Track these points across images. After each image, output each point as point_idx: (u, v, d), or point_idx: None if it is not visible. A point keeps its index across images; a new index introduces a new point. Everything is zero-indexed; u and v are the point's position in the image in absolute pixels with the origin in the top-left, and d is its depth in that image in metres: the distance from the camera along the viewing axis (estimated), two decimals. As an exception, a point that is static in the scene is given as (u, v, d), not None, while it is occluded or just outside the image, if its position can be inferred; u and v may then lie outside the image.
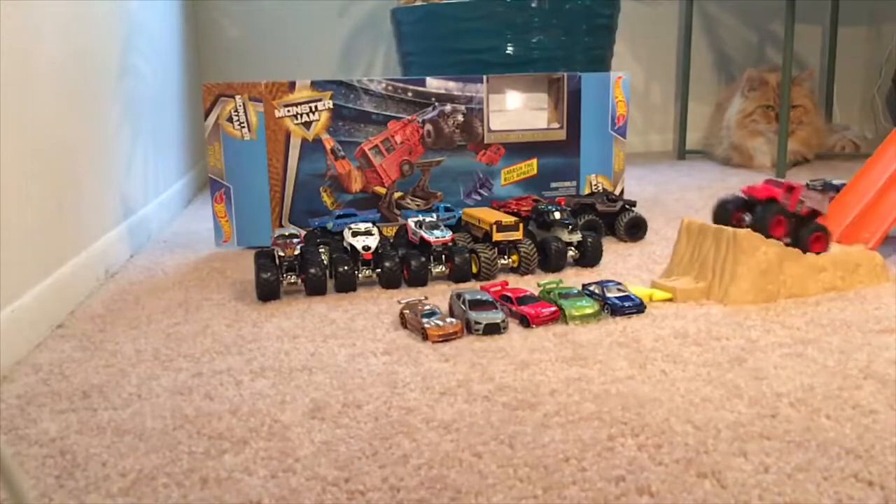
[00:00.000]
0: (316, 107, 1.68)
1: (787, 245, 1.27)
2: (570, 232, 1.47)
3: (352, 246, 1.39)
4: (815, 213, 1.40)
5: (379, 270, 1.37)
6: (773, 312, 1.17)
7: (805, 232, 1.37)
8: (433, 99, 1.73)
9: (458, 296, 1.18)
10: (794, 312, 1.17)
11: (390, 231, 1.67)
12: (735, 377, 0.94)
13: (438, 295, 1.31)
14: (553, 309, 1.15)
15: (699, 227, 1.30)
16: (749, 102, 2.72)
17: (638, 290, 1.25)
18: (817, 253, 1.31)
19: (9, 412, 0.91)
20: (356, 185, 1.72)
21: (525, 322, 1.14)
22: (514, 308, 1.17)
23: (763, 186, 1.44)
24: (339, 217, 1.59)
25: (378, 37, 2.99)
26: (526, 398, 0.90)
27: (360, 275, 1.37)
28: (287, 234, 1.37)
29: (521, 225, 1.43)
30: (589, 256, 1.47)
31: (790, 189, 1.41)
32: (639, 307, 1.18)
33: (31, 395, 0.95)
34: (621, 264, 1.49)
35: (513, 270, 1.44)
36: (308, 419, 0.86)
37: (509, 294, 1.20)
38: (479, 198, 1.78)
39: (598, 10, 2.36)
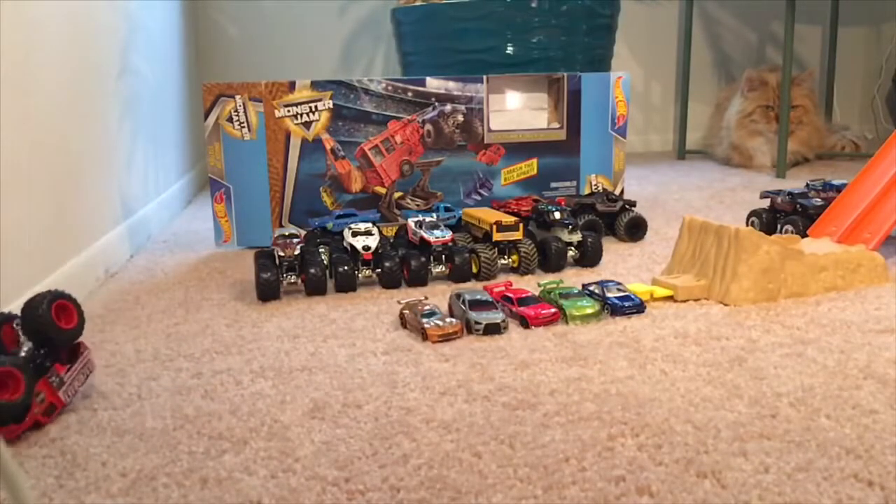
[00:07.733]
0: (316, 107, 1.68)
1: None
2: (570, 232, 1.47)
3: (352, 246, 1.38)
4: None
5: (379, 270, 1.37)
6: (774, 312, 1.17)
7: None
8: (433, 99, 1.73)
9: (458, 296, 1.17)
10: (795, 312, 1.17)
11: (390, 231, 1.66)
12: (735, 377, 0.94)
13: (438, 295, 1.31)
14: (553, 311, 1.15)
15: (701, 225, 1.30)
16: (749, 102, 2.72)
17: (639, 287, 1.25)
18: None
19: (9, 412, 0.90)
20: (356, 185, 1.72)
21: (525, 323, 1.14)
22: (514, 309, 1.17)
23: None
24: (339, 217, 1.59)
25: (378, 37, 2.99)
26: (526, 398, 0.90)
27: (360, 275, 1.37)
28: (287, 234, 1.37)
29: (521, 225, 1.43)
30: (589, 256, 1.47)
31: None
32: (639, 307, 1.18)
33: (31, 395, 0.95)
34: (621, 264, 1.49)
35: (513, 270, 1.44)
36: (308, 419, 0.86)
37: (510, 295, 1.20)
38: (479, 198, 1.78)
39: (598, 10, 2.36)
